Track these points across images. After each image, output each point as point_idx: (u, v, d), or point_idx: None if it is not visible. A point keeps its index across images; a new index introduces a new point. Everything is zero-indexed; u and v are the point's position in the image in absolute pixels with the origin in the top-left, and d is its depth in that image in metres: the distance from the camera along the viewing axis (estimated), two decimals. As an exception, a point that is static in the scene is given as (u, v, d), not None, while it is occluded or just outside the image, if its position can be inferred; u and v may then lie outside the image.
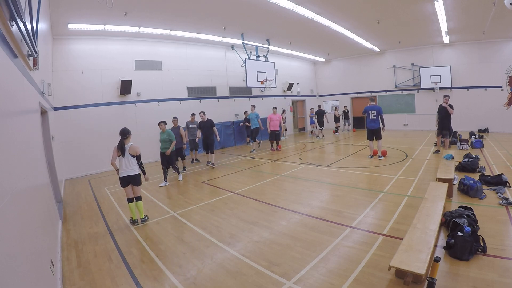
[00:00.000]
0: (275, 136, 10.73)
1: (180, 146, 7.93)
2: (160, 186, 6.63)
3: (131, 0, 6.85)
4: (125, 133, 4.42)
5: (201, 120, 8.72)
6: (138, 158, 4.44)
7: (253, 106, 11.24)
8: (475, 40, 12.85)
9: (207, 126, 8.60)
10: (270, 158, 9.61)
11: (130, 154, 4.38)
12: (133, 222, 4.49)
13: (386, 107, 15.60)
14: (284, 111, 15.29)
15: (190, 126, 9.22)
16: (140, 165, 4.49)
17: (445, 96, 8.24)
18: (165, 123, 6.78)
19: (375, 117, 7.98)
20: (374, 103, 8.25)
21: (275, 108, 11.13)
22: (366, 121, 8.24)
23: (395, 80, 15.64)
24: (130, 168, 4.39)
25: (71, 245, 3.91)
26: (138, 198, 4.53)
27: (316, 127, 14.54)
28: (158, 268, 3.14)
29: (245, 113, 13.36)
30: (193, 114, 9.31)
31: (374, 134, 8.10)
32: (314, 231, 3.78)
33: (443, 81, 13.75)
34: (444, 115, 8.13)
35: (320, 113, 13.90)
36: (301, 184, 6.23)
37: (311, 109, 15.77)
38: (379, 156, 8.17)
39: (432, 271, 2.36)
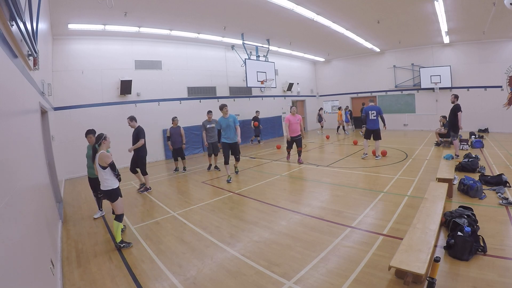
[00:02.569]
0: (294, 143, 8.48)
1: (179, 146, 7.95)
2: (94, 218, 4.89)
3: (131, 0, 6.86)
4: (97, 139, 3.80)
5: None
6: (112, 168, 3.70)
7: (225, 106, 6.94)
8: (475, 40, 12.85)
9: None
10: (270, 158, 9.61)
11: (99, 164, 3.67)
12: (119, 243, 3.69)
13: (386, 107, 15.62)
14: (321, 109, 16.20)
15: (208, 126, 7.92)
16: (116, 175, 3.76)
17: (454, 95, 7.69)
18: (94, 133, 4.82)
19: (375, 117, 8.03)
20: (373, 104, 8.28)
21: (295, 108, 8.54)
22: (366, 121, 8.26)
23: (395, 80, 15.64)
24: (102, 182, 3.73)
25: (71, 245, 3.91)
26: (116, 217, 3.75)
27: (350, 125, 15.31)
28: (158, 268, 3.14)
29: (256, 112, 13.04)
30: (210, 112, 8.18)
31: (373, 134, 8.14)
32: (314, 231, 3.77)
33: (443, 81, 13.76)
34: (453, 116, 7.57)
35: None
36: (301, 184, 6.23)
37: (339, 108, 15.96)
38: (377, 156, 8.17)
39: (432, 271, 2.36)
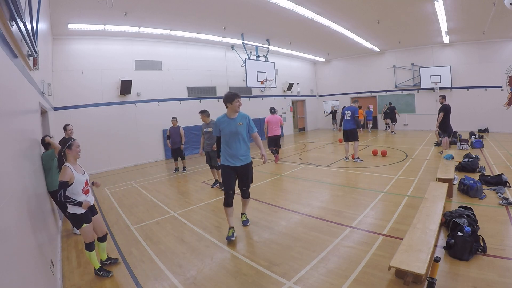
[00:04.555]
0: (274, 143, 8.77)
1: (178, 146, 7.97)
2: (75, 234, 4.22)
3: (131, 0, 6.86)
4: (63, 145, 2.97)
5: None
6: (60, 186, 2.71)
7: (235, 96, 3.73)
8: (475, 40, 12.85)
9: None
10: (270, 158, 9.61)
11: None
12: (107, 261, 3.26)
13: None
14: (344, 108, 16.59)
15: (205, 130, 6.02)
16: (66, 200, 2.74)
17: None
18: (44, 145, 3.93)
19: (349, 118, 7.93)
20: (354, 105, 8.21)
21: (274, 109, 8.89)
22: (342, 122, 8.26)
23: (395, 80, 15.65)
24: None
25: (71, 245, 3.91)
26: (85, 245, 2.99)
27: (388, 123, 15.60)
28: (158, 268, 3.14)
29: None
30: (204, 112, 6.07)
31: (349, 135, 7.99)
32: (314, 231, 3.77)
33: (443, 81, 13.77)
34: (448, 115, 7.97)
35: (392, 109, 14.39)
36: (301, 184, 6.23)
37: (360, 107, 16.19)
38: (355, 159, 7.96)
39: (432, 271, 2.36)
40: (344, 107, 8.39)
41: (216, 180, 6.35)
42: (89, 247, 2.98)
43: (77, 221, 2.90)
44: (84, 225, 2.91)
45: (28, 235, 2.08)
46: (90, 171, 8.92)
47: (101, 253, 3.21)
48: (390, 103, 14.69)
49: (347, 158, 8.21)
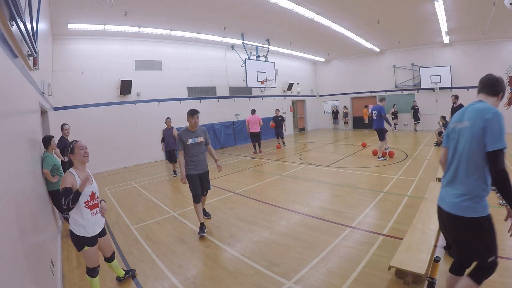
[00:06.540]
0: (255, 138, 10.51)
1: (173, 147, 7.83)
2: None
3: (131, 0, 6.86)
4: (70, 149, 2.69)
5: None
6: (62, 193, 2.30)
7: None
8: (475, 40, 12.85)
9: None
10: (270, 158, 9.61)
11: None
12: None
13: (386, 107, 15.56)
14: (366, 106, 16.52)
15: (191, 141, 4.03)
16: (64, 207, 2.29)
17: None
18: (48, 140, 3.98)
19: (375, 117, 7.99)
20: (380, 103, 8.14)
21: (253, 109, 10.78)
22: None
23: (395, 80, 15.64)
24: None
25: (71, 245, 3.88)
26: (87, 270, 2.55)
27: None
28: (158, 268, 3.14)
29: (276, 111, 11.53)
30: (196, 112, 4.33)
31: (377, 134, 8.10)
32: (314, 231, 3.77)
33: (443, 81, 13.76)
34: None
35: (416, 110, 14.62)
36: (301, 184, 6.23)
37: (365, 106, 16.43)
38: (378, 157, 8.06)
39: (432, 271, 2.36)
40: (373, 106, 8.44)
41: (203, 222, 4.04)
42: (92, 272, 2.50)
43: (77, 242, 2.42)
44: (86, 248, 2.44)
45: (28, 235, 2.08)
46: (90, 171, 8.88)
47: (115, 271, 2.88)
48: (414, 101, 14.70)
49: (382, 157, 8.05)
